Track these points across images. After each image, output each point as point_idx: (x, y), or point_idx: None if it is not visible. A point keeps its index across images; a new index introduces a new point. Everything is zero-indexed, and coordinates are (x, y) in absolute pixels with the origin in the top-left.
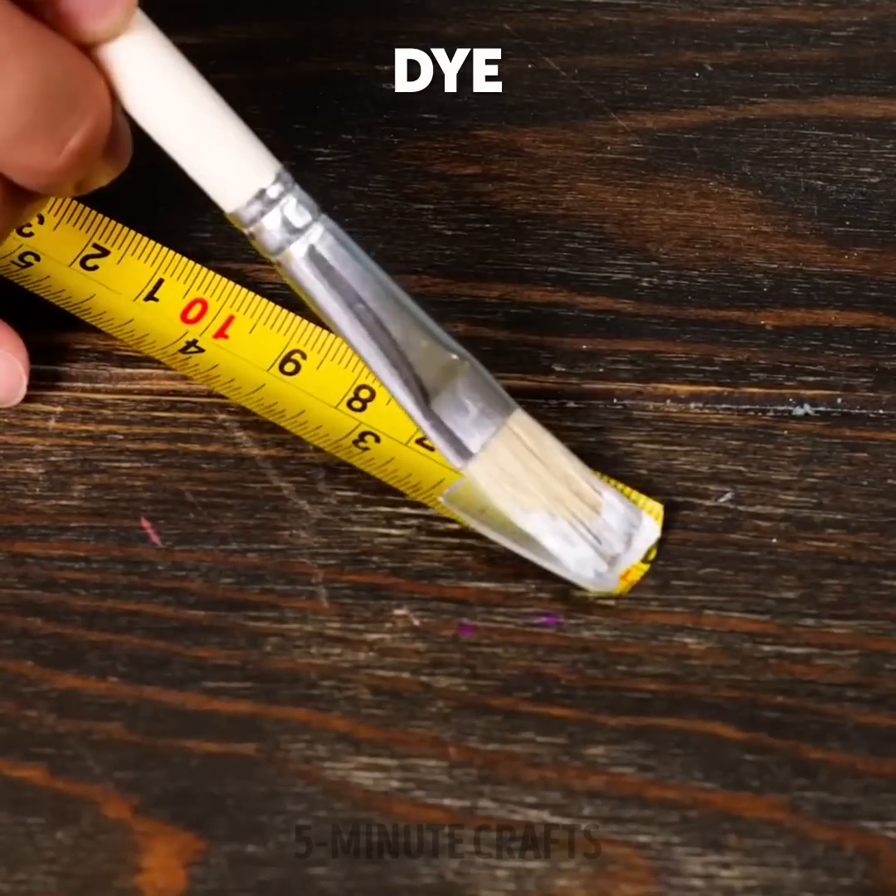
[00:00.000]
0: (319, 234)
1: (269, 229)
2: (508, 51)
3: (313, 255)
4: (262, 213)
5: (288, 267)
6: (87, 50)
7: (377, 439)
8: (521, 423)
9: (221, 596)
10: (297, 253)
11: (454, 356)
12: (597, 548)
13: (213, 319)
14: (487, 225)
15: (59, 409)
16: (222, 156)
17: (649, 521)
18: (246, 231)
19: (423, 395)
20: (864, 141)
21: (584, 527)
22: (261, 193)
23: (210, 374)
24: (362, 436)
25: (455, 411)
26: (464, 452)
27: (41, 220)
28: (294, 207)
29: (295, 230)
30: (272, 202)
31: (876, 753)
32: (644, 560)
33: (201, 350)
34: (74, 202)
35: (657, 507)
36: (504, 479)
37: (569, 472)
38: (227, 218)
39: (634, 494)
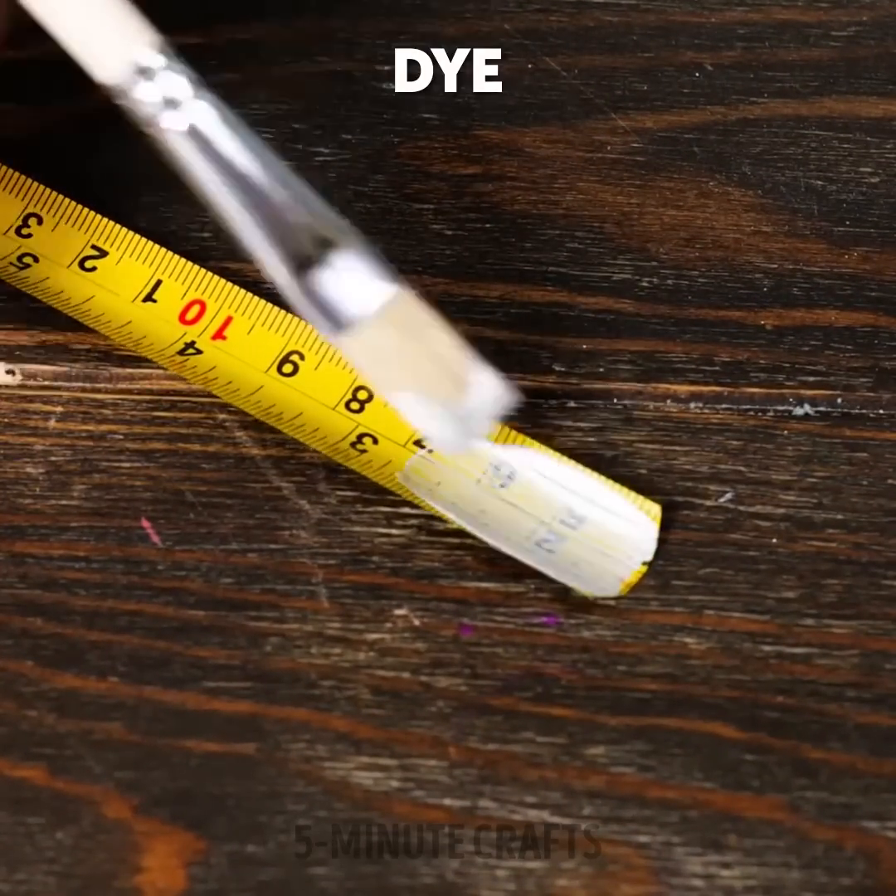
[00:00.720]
0: (199, 109)
1: (147, 101)
2: (508, 51)
3: (191, 130)
4: (140, 84)
5: (165, 138)
6: None
7: (375, 441)
8: (400, 298)
9: (221, 596)
10: (175, 126)
11: (336, 232)
12: (463, 427)
13: (212, 320)
14: (487, 225)
15: (59, 409)
16: (101, 27)
17: (646, 522)
18: (123, 102)
19: (300, 268)
20: (864, 141)
21: (454, 406)
22: (140, 64)
23: (208, 377)
24: (360, 438)
25: (332, 285)
26: (338, 325)
27: (40, 222)
28: (174, 80)
29: (174, 103)
30: (151, 74)
31: (876, 753)
32: (642, 562)
33: (199, 351)
34: (73, 203)
35: (655, 508)
36: (376, 355)
37: (442, 351)
38: (104, 89)
39: (632, 495)
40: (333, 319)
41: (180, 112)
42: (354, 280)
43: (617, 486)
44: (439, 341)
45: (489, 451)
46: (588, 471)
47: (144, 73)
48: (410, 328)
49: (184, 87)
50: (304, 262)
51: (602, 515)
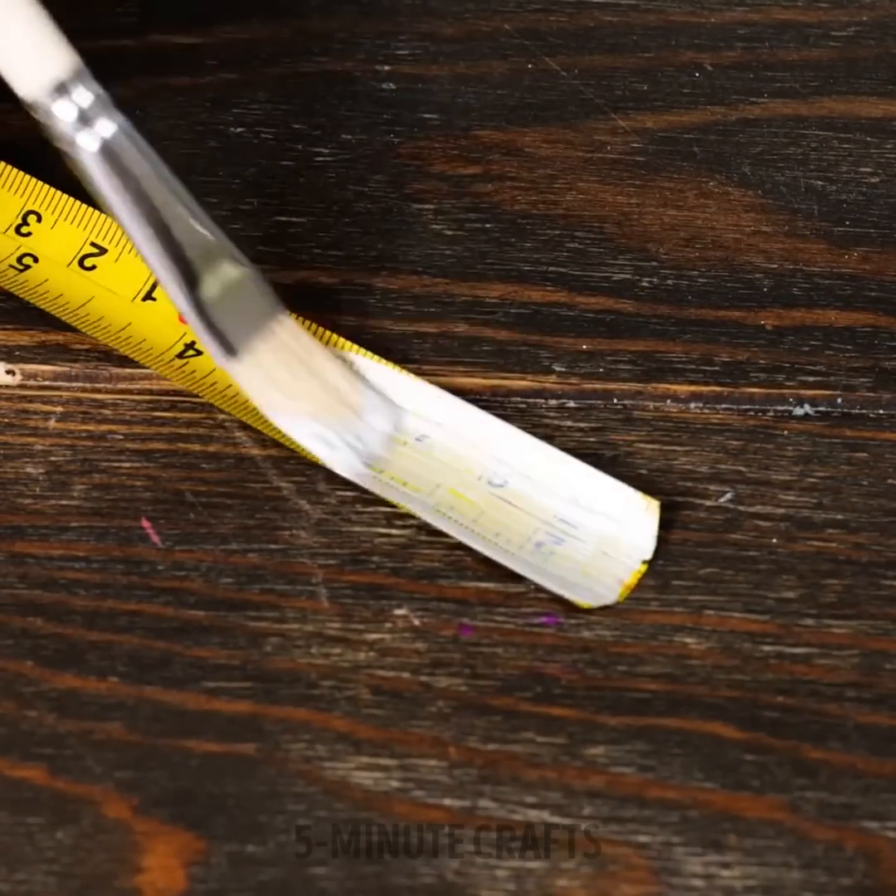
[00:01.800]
0: (112, 130)
1: (62, 119)
2: (508, 51)
3: (104, 149)
4: (56, 102)
5: (78, 157)
6: None
7: None
8: (288, 328)
9: (221, 596)
10: (88, 145)
11: (233, 260)
12: (357, 449)
13: None
14: (487, 225)
15: (59, 409)
16: (22, 44)
17: (646, 519)
18: (40, 118)
19: (197, 294)
20: (864, 141)
21: (345, 429)
22: (57, 83)
23: (207, 381)
24: None
25: (226, 312)
26: (230, 351)
27: (40, 219)
28: (89, 100)
29: (87, 121)
30: (67, 92)
31: (876, 753)
32: (642, 560)
33: (199, 353)
34: (73, 200)
35: (654, 504)
36: (267, 381)
37: (332, 378)
38: (23, 104)
39: (631, 491)
40: (225, 344)
41: (94, 130)
42: (244, 306)
43: (615, 481)
44: (327, 366)
45: (483, 455)
46: (586, 466)
47: (61, 90)
48: (298, 353)
49: (98, 106)
50: (199, 286)
51: (601, 512)
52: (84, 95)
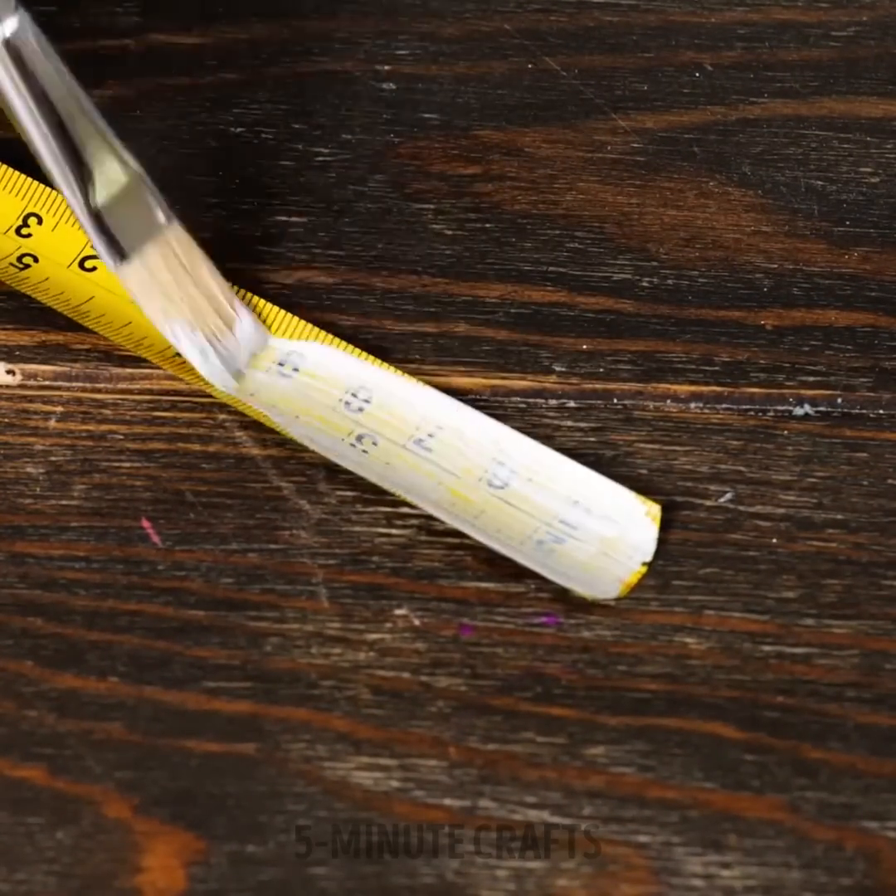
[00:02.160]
0: (14, 28)
1: None
2: (508, 51)
3: (7, 45)
4: None
5: None
6: None
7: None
8: (177, 235)
9: (221, 596)
10: None
11: (125, 165)
12: (226, 361)
13: None
14: (487, 225)
15: (59, 409)
16: None
17: (646, 521)
18: None
19: (89, 197)
20: (864, 141)
21: (218, 340)
22: None
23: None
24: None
25: (117, 216)
26: (120, 254)
27: (40, 222)
28: None
29: None
30: None
31: (876, 753)
32: (642, 563)
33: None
34: None
35: (655, 508)
36: (154, 287)
37: (212, 288)
38: None
39: (632, 494)
40: (115, 248)
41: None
42: (134, 211)
43: (616, 485)
44: (209, 278)
45: (488, 450)
46: (587, 469)
47: None
48: (183, 262)
49: (2, 4)
50: (91, 190)
51: (601, 515)
52: None
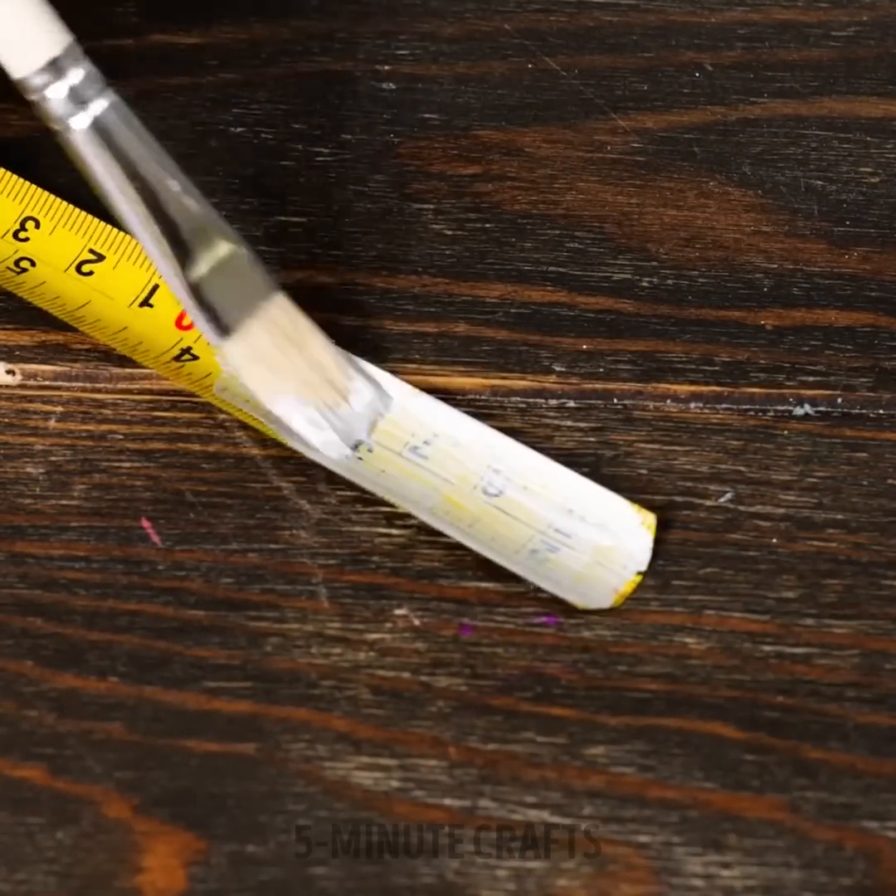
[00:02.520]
0: (103, 107)
1: (55, 98)
2: (508, 51)
3: (96, 127)
4: (49, 82)
5: (70, 137)
6: None
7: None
8: (281, 307)
9: (221, 596)
10: (79, 124)
11: (225, 237)
12: (342, 433)
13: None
14: (487, 225)
15: (59, 408)
16: (14, 23)
17: (641, 531)
18: (32, 98)
19: (189, 273)
20: (864, 141)
21: (332, 412)
22: (50, 62)
23: (204, 383)
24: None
25: (218, 290)
26: (222, 330)
27: (38, 226)
28: (81, 79)
29: (80, 101)
30: (60, 72)
31: (876, 753)
32: (637, 572)
33: (195, 357)
34: (71, 207)
35: (650, 517)
36: (258, 361)
37: (322, 358)
38: (14, 84)
39: (627, 503)
40: (217, 323)
41: (85, 108)
42: (236, 285)
43: (611, 494)
44: (319, 348)
45: (483, 457)
46: (582, 478)
47: (54, 69)
48: (290, 334)
49: (89, 83)
50: (191, 265)
51: (596, 525)
52: (76, 74)
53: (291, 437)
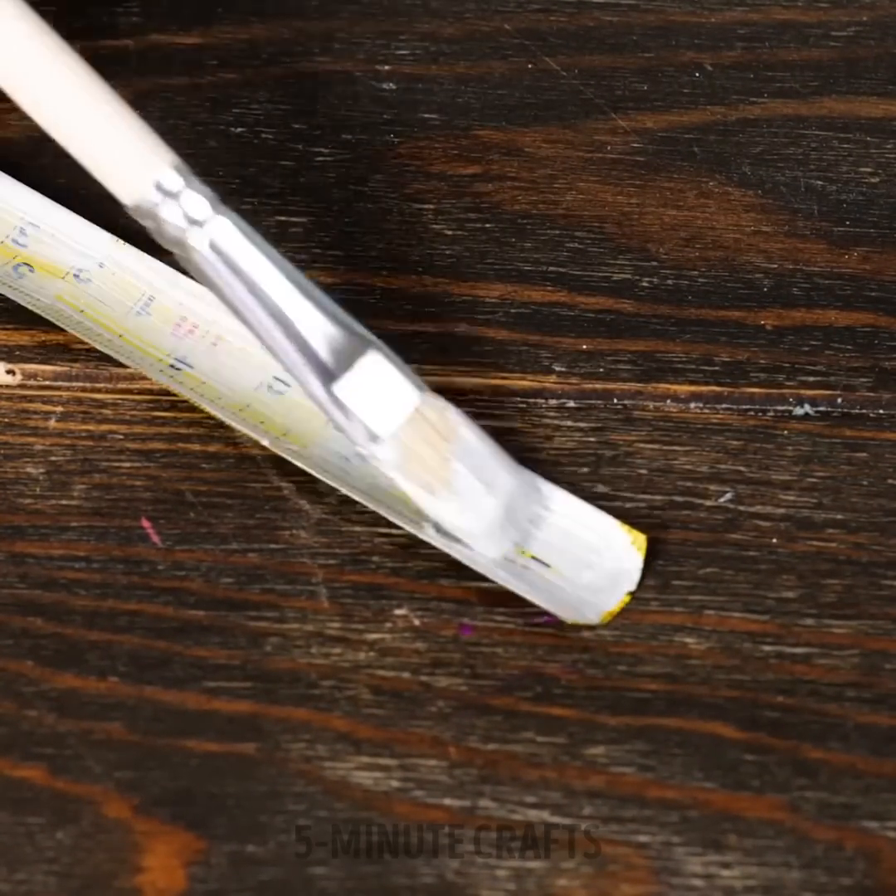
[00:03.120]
0: (219, 226)
1: (170, 221)
2: (508, 51)
3: (214, 247)
4: (162, 205)
5: (190, 258)
6: None
7: None
8: (432, 406)
9: (221, 596)
10: (198, 244)
11: (360, 342)
12: (501, 527)
13: (204, 337)
14: (487, 225)
15: (59, 409)
16: (119, 148)
17: (631, 552)
18: (146, 223)
19: (328, 380)
20: (864, 141)
21: (492, 509)
22: (159, 185)
23: (197, 392)
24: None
25: (360, 397)
26: (372, 436)
27: (37, 232)
28: (193, 199)
29: (194, 222)
30: (171, 194)
31: (876, 753)
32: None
33: (191, 367)
34: (70, 214)
35: (641, 538)
36: (412, 462)
37: (479, 451)
38: (127, 212)
39: (616, 524)
40: (366, 431)
41: (203, 229)
42: (381, 390)
43: (602, 514)
44: (475, 444)
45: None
46: (574, 497)
47: (166, 192)
48: (442, 432)
49: (204, 204)
50: (331, 374)
51: (587, 544)
52: (189, 195)
53: (447, 538)
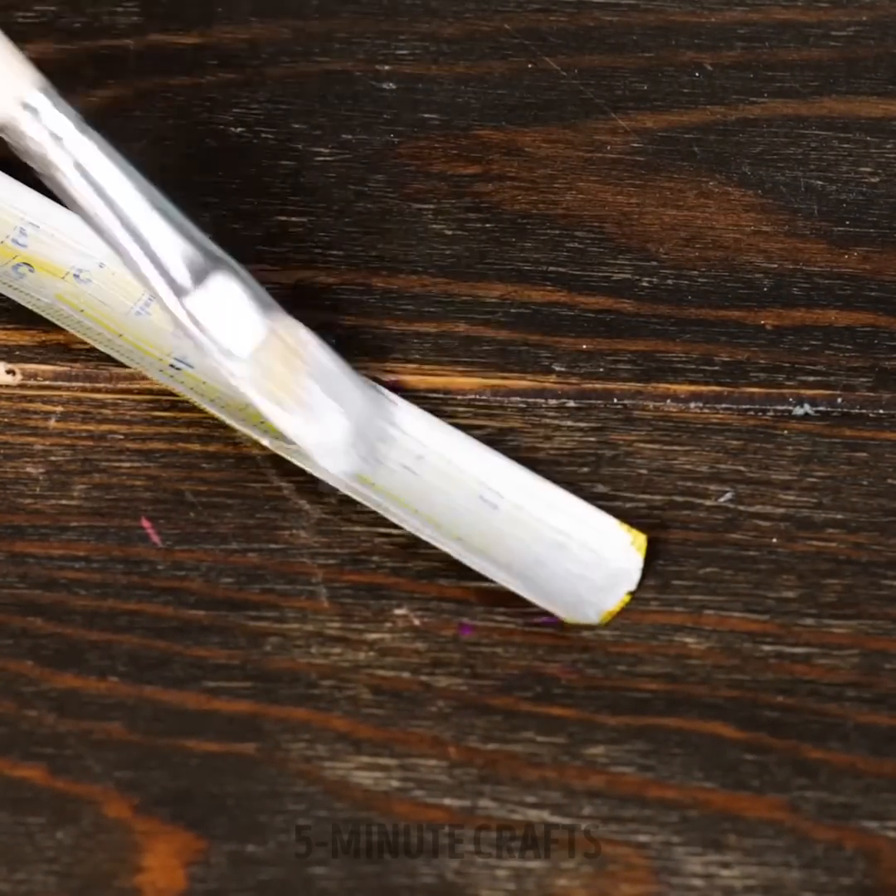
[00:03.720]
0: (84, 146)
1: (34, 137)
2: (508, 51)
3: (76, 164)
4: (26, 122)
5: (52, 176)
6: None
7: None
8: (285, 326)
9: (221, 596)
10: (60, 162)
11: (215, 262)
12: (356, 450)
13: None
14: (487, 225)
15: (59, 408)
16: None
17: (631, 553)
18: (10, 140)
19: (187, 303)
20: (864, 141)
21: (341, 427)
22: (25, 103)
23: (197, 391)
24: None
25: (219, 317)
26: (226, 353)
27: (37, 232)
28: (57, 117)
29: (57, 139)
30: (36, 111)
31: (876, 753)
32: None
33: (191, 366)
34: (70, 214)
35: (641, 538)
36: (266, 379)
37: (330, 369)
38: None
39: (616, 524)
40: (218, 347)
41: (65, 147)
42: (235, 309)
43: (602, 514)
44: (326, 361)
45: (475, 476)
46: (574, 497)
47: (30, 110)
48: (297, 351)
49: (67, 123)
50: (185, 292)
51: (586, 544)
52: (53, 114)
53: (300, 455)
